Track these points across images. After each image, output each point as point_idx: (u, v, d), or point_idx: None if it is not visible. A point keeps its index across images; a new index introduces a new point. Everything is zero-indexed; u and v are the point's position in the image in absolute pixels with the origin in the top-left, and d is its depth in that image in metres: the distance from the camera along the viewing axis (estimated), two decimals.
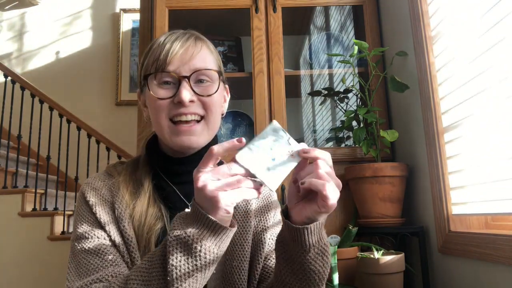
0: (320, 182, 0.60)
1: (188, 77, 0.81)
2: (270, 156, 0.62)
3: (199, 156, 0.73)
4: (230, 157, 0.64)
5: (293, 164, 0.63)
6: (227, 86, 0.96)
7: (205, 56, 0.86)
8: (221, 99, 0.89)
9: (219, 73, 0.87)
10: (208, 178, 0.59)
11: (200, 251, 0.59)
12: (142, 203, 0.82)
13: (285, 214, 0.69)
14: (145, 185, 0.85)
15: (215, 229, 0.60)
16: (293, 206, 0.67)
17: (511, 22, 1.16)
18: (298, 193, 0.65)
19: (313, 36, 2.90)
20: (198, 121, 0.83)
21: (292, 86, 2.47)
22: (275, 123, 0.64)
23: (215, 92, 0.84)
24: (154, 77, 0.83)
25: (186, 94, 0.80)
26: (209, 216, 0.60)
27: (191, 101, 0.81)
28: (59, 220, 3.49)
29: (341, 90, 2.01)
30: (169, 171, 0.87)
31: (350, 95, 2.02)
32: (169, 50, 0.82)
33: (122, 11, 4.74)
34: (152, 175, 0.87)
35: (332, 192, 0.60)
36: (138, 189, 0.84)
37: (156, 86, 0.83)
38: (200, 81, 0.84)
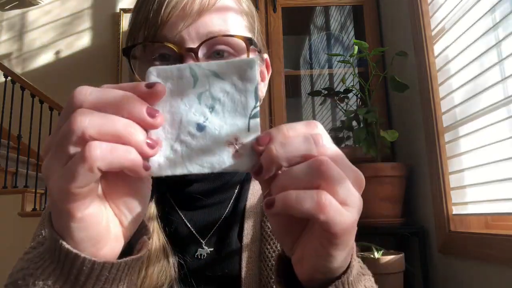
0: (303, 196, 0.30)
1: (195, 50, 0.50)
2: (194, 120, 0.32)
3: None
4: None
5: (239, 164, 0.32)
6: (266, 56, 0.63)
7: (226, 12, 0.53)
8: None
9: (249, 40, 0.53)
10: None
11: None
12: None
13: (285, 262, 0.38)
14: (147, 213, 0.56)
15: (66, 261, 0.32)
16: (288, 248, 0.36)
17: (511, 22, 1.16)
18: (286, 225, 0.35)
19: (313, 36, 2.90)
20: None
21: (292, 86, 2.47)
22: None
23: None
24: (143, 50, 0.53)
25: None
26: (56, 235, 0.32)
27: None
28: None
29: (341, 90, 2.01)
30: (177, 191, 0.59)
31: (350, 95, 2.02)
32: (163, 3, 0.51)
33: (122, 11, 4.74)
34: (156, 197, 0.59)
35: (338, 207, 0.30)
36: None
37: (145, 65, 0.52)
38: (216, 53, 0.52)
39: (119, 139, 0.30)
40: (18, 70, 4.53)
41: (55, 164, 0.30)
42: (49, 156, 0.31)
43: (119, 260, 0.33)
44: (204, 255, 0.58)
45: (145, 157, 0.31)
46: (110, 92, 0.31)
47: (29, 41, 4.75)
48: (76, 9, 4.81)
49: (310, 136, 0.31)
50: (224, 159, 0.32)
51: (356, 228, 0.32)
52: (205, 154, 0.32)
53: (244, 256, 0.58)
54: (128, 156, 0.30)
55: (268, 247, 0.58)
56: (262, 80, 0.63)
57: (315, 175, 0.30)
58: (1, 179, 3.58)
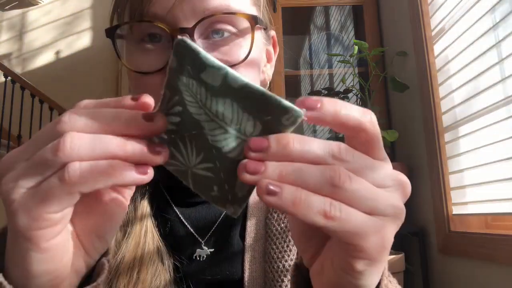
0: (313, 200, 0.26)
1: (190, 31, 0.42)
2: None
3: None
4: None
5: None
6: (273, 33, 0.56)
7: None
8: (257, 67, 0.50)
9: (255, 19, 0.45)
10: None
11: None
12: (135, 245, 0.49)
13: (303, 273, 0.35)
14: (139, 210, 0.52)
15: None
16: (308, 256, 0.32)
17: (511, 22, 1.16)
18: (308, 231, 0.32)
19: (313, 36, 2.90)
20: None
21: (292, 86, 2.47)
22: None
23: (246, 56, 0.45)
24: (130, 29, 0.45)
25: None
26: None
27: None
28: None
29: (341, 90, 2.01)
30: (173, 186, 0.53)
31: (350, 95, 2.02)
32: None
33: None
34: (150, 193, 0.53)
35: (353, 213, 0.26)
36: (127, 218, 0.51)
37: (133, 47, 0.46)
38: (215, 32, 0.45)
39: (111, 157, 0.26)
40: (18, 70, 4.53)
41: (25, 183, 0.26)
42: (15, 173, 0.27)
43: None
44: (203, 257, 0.53)
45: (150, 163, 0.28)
46: (102, 111, 0.28)
47: (29, 41, 4.75)
48: (76, 9, 4.81)
49: (333, 145, 0.27)
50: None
51: (391, 240, 0.27)
52: None
53: (247, 256, 0.53)
54: (111, 171, 0.26)
55: (274, 246, 0.53)
56: (269, 61, 0.56)
57: (327, 186, 0.26)
58: None
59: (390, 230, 0.27)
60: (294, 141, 0.26)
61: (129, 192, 0.32)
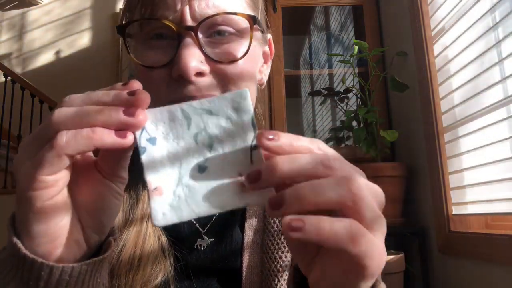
0: (337, 226, 0.27)
1: (195, 29, 0.47)
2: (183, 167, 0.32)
3: None
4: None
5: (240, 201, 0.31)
6: (269, 36, 0.60)
7: None
8: (255, 64, 0.54)
9: (253, 18, 0.49)
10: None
11: None
12: (135, 234, 0.51)
13: (302, 279, 0.36)
14: (141, 199, 0.54)
15: (25, 267, 0.32)
16: (305, 264, 0.33)
17: (511, 22, 1.16)
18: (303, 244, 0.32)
19: (313, 36, 2.90)
20: None
21: (292, 86, 2.47)
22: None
23: (245, 53, 0.49)
24: (139, 28, 0.50)
25: (191, 61, 0.45)
26: (15, 239, 0.32)
27: (200, 74, 0.46)
28: None
29: (341, 90, 2.01)
30: None
31: (350, 95, 2.02)
32: None
33: (122, 11, 4.74)
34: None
35: (371, 238, 0.28)
36: (128, 209, 0.53)
37: (141, 44, 0.50)
38: (217, 33, 0.49)
39: (93, 124, 0.30)
40: (18, 70, 4.52)
41: (25, 156, 0.31)
42: (20, 152, 0.32)
43: (80, 263, 0.33)
44: (204, 246, 0.55)
45: (132, 124, 0.31)
46: (95, 92, 0.32)
47: (29, 41, 4.75)
48: (76, 9, 4.81)
49: (319, 156, 0.29)
50: (232, 197, 0.30)
51: (385, 255, 0.30)
52: (211, 195, 0.31)
53: (246, 247, 0.56)
54: (91, 134, 0.30)
55: (271, 238, 0.56)
56: (265, 62, 0.60)
57: (345, 195, 0.27)
58: (1, 179, 3.58)
59: (382, 244, 0.29)
60: (281, 160, 0.29)
61: (120, 175, 0.35)
